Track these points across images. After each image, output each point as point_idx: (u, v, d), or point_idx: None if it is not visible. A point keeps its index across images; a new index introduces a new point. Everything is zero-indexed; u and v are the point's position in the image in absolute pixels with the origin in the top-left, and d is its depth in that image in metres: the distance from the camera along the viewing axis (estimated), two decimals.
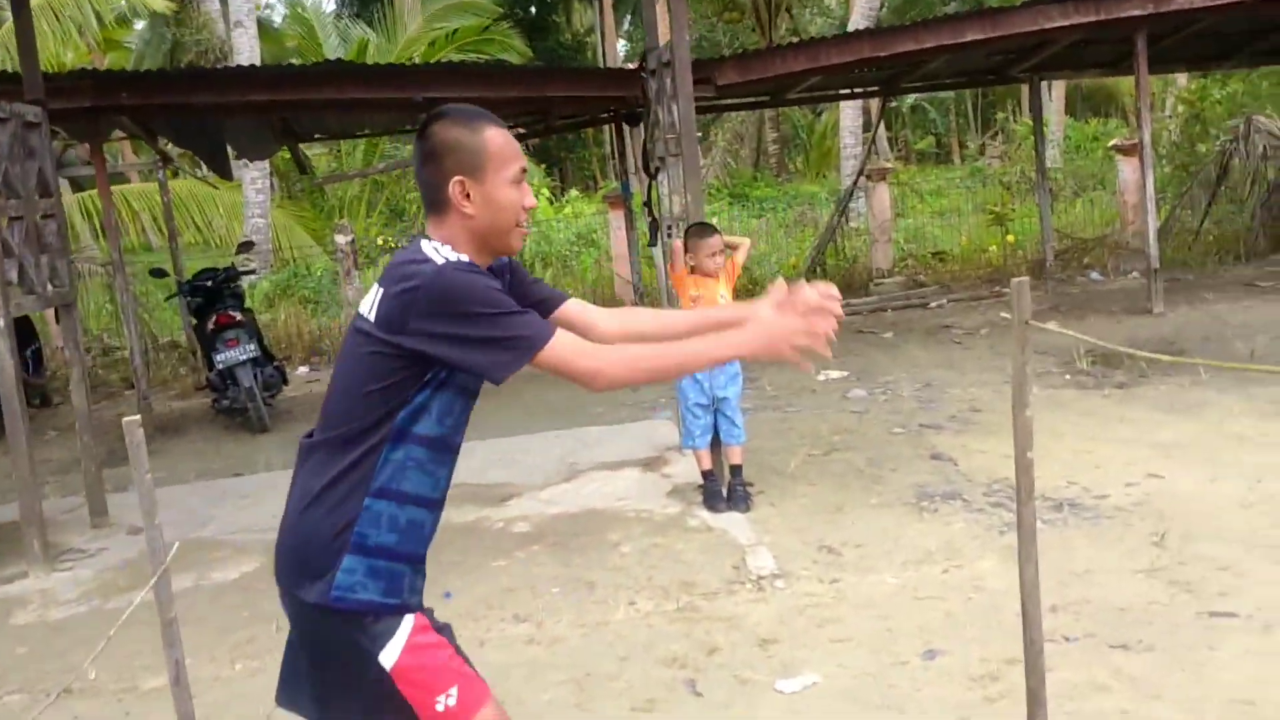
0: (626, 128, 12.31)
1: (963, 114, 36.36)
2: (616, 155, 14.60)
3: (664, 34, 7.41)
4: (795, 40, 16.10)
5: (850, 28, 18.00)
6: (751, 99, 14.25)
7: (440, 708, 2.18)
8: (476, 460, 7.50)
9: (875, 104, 21.04)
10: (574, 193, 25.21)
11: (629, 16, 36.53)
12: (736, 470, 5.97)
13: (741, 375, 6.00)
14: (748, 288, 11.25)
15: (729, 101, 13.67)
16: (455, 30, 22.02)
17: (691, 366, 2.33)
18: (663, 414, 8.34)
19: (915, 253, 16.08)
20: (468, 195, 2.23)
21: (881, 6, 20.45)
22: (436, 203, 2.26)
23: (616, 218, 14.60)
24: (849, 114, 18.80)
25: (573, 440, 7.79)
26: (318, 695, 2.29)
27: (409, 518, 2.23)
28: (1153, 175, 10.99)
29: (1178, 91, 19.16)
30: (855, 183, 16.03)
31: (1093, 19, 10.01)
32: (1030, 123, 25.41)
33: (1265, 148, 14.45)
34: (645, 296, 14.27)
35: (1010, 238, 15.54)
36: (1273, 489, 5.41)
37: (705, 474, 5.99)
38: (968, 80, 15.55)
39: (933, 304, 12.93)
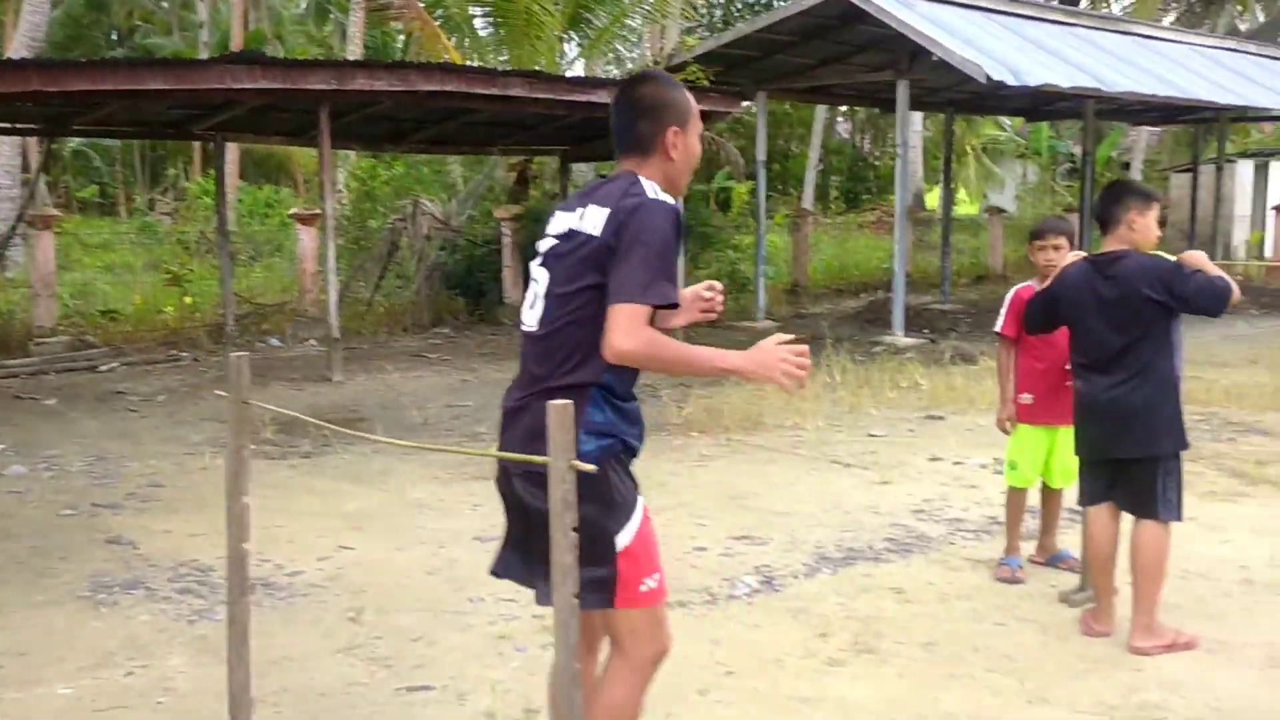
0: None
1: (130, 165, 34.74)
2: None
3: None
4: None
5: (11, 55, 16.17)
6: None
7: None
8: None
9: (36, 142, 19.20)
10: None
11: None
12: None
13: None
14: None
15: None
16: None
17: (695, 368, 2.72)
18: None
19: (83, 310, 14.76)
20: (675, 145, 2.81)
21: (46, 39, 18.75)
22: (647, 148, 2.81)
23: None
24: (5, 151, 16.80)
25: None
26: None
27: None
28: (334, 246, 11.35)
29: (349, 168, 20.18)
30: (14, 229, 14.38)
31: (279, 86, 10.07)
32: (202, 182, 25.15)
33: (429, 228, 15.83)
34: None
35: (188, 299, 15.01)
36: (454, 554, 5.69)
37: None
38: (147, 130, 14.83)
39: (103, 367, 11.93)
